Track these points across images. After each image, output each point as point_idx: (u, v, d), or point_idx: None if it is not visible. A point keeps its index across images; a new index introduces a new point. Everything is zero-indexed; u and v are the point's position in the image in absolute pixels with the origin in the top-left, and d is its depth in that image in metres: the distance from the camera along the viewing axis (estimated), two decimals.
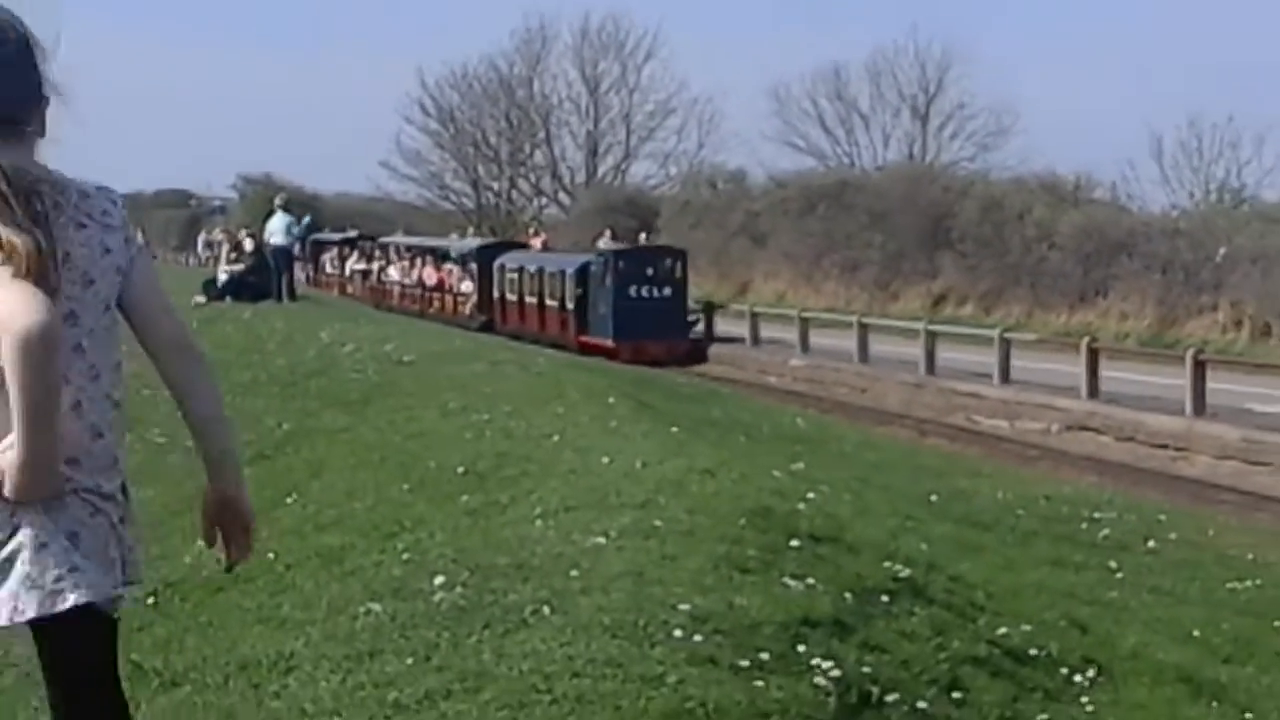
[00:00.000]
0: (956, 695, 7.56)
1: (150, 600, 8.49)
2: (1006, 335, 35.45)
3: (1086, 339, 33.39)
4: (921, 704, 7.12)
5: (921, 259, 54.33)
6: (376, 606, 7.09)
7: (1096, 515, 16.71)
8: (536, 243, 57.24)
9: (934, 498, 15.54)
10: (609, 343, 39.94)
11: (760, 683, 6.42)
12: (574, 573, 7.53)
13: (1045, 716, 7.88)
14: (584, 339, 41.90)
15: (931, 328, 39.06)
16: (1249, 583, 14.57)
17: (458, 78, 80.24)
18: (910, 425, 32.18)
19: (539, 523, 8.76)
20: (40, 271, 3.58)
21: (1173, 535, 16.32)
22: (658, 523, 8.79)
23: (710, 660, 6.51)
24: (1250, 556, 16.11)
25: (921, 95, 72.46)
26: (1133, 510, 17.80)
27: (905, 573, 9.54)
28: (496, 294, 49.63)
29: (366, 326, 18.33)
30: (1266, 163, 64.90)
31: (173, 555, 9.54)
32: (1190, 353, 29.84)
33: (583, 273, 43.53)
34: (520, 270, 48.34)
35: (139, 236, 4.23)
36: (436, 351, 20.78)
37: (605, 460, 11.09)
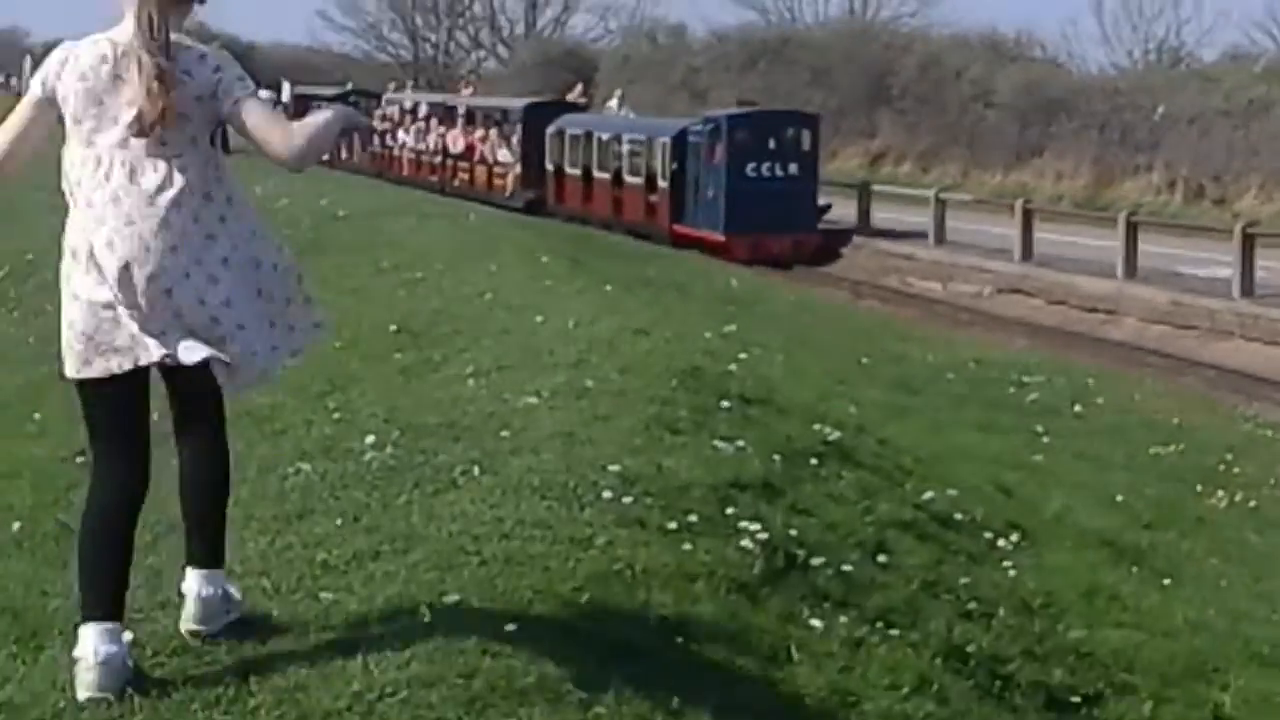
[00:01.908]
0: (881, 559, 7.63)
1: (80, 459, 8.45)
2: (942, 196, 35.47)
3: (1021, 200, 33.48)
4: (847, 567, 7.18)
5: (861, 116, 54.15)
6: (306, 466, 7.08)
7: (1025, 379, 16.86)
8: (466, 93, 54.83)
9: (865, 360, 15.64)
10: (718, 235, 31.22)
11: (688, 545, 6.47)
12: (505, 433, 7.54)
13: (968, 580, 7.95)
14: (681, 228, 32.97)
15: (872, 187, 39.01)
16: (1173, 447, 14.76)
17: None
18: (845, 287, 32.19)
19: (471, 382, 8.77)
20: None
21: (1100, 400, 16.50)
22: (589, 383, 8.80)
23: (639, 522, 6.55)
24: (1176, 421, 16.32)
25: None
26: (1061, 374, 17.96)
27: (834, 435, 9.58)
28: (551, 165, 39.73)
29: (301, 181, 18.11)
30: (1206, 21, 65.11)
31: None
32: (1123, 215, 29.98)
33: (681, 142, 33.57)
34: (587, 136, 38.23)
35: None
36: (373, 205, 20.67)
37: (538, 319, 11.07)
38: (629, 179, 35.84)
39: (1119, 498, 11.86)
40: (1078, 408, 15.67)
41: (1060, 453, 13.23)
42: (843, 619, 6.48)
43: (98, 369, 4.82)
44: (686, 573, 6.17)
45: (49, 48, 5.31)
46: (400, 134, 49.91)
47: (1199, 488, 13.22)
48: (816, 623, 6.27)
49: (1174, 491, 12.86)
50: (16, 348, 13.17)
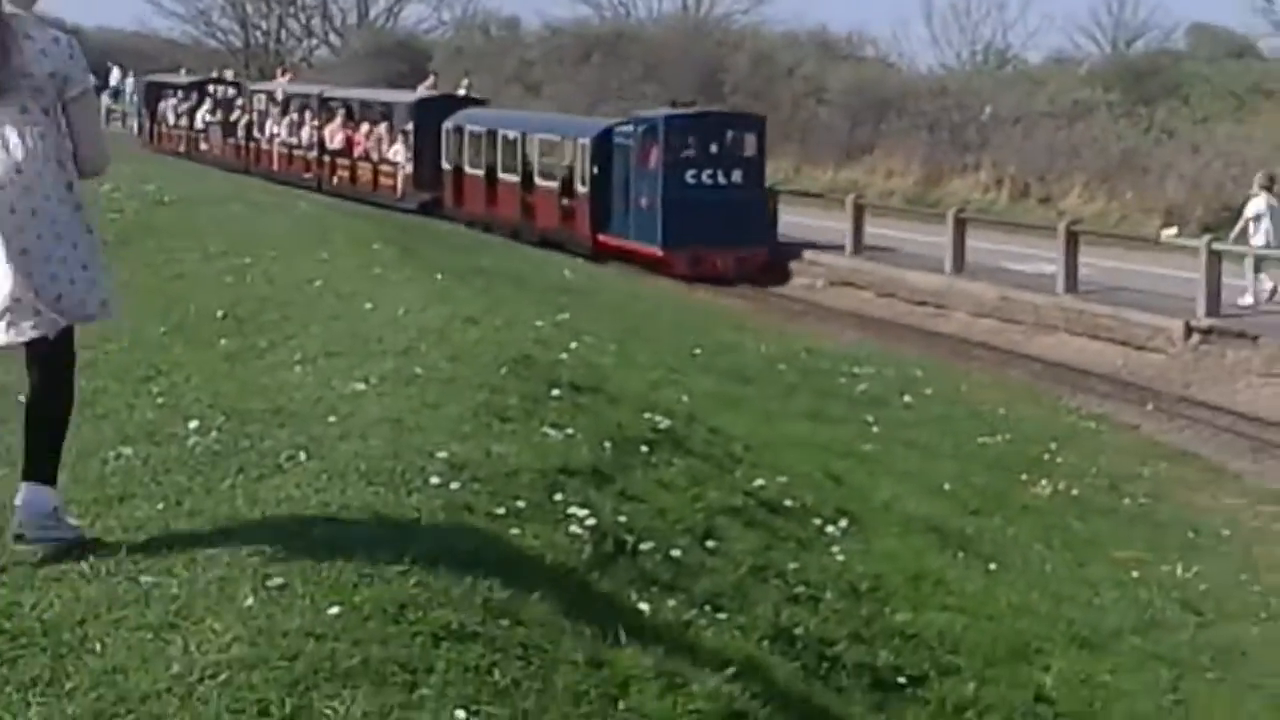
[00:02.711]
0: (710, 544, 7.68)
1: None
2: (776, 189, 35.63)
3: (853, 196, 33.72)
4: (675, 552, 7.21)
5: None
6: (128, 450, 6.96)
7: (856, 371, 17.02)
8: (283, 80, 52.68)
9: (697, 351, 15.70)
10: (654, 249, 27.53)
11: (516, 530, 6.46)
12: (332, 419, 7.48)
13: (796, 564, 8.03)
14: (607, 238, 29.26)
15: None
16: (999, 437, 14.99)
17: None
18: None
19: (298, 368, 8.69)
20: None
21: (928, 391, 16.70)
22: (418, 370, 8.76)
23: (466, 508, 6.53)
24: (1002, 412, 16.58)
25: None
26: (891, 366, 18.16)
27: (665, 424, 9.62)
28: (449, 165, 35.35)
29: (127, 165, 17.83)
30: (1031, 24, 66.50)
31: None
32: (952, 212, 30.31)
33: (604, 143, 29.38)
34: (490, 135, 33.95)
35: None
36: (199, 192, 20.43)
37: (368, 306, 11.01)
38: (541, 182, 31.83)
39: (946, 485, 12.02)
40: (907, 398, 15.86)
41: (889, 442, 13.38)
42: (671, 602, 6.50)
43: None
44: (514, 557, 6.16)
45: None
46: (270, 126, 45.25)
47: (1024, 476, 13.44)
48: (644, 606, 6.29)
49: (999, 480, 13.06)
50: None
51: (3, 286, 5.41)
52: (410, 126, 37.17)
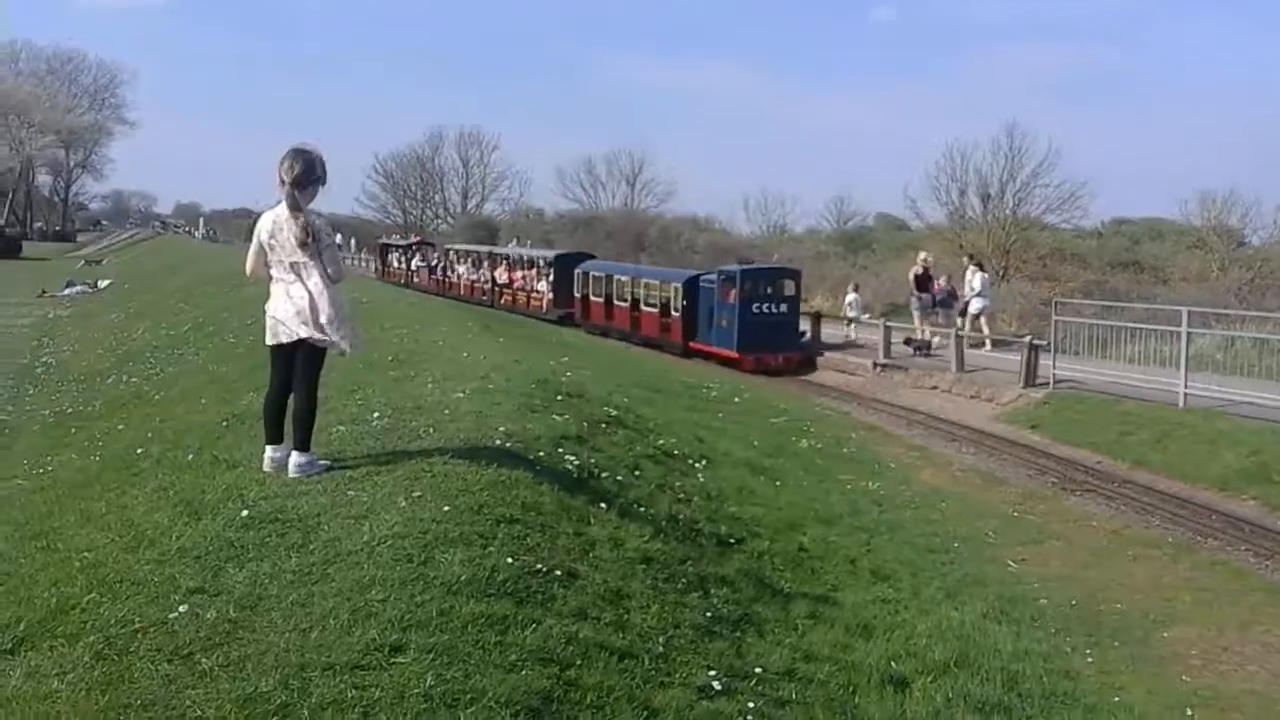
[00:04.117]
0: (636, 473, 7.66)
1: (224, 423, 8.13)
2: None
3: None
4: (619, 477, 7.19)
5: (630, 259, 54.27)
6: (343, 428, 6.88)
7: (710, 386, 17.01)
8: (400, 237, 51.55)
9: (633, 377, 15.65)
10: (732, 352, 23.29)
11: (539, 466, 6.43)
12: (446, 411, 7.42)
13: (680, 483, 8.01)
14: (695, 345, 24.70)
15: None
16: (781, 418, 14.98)
17: (395, 155, 78.90)
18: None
19: (429, 385, 8.61)
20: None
21: (747, 395, 16.70)
22: (490, 386, 8.69)
23: (514, 455, 6.49)
24: (784, 406, 16.60)
25: (632, 173, 72.28)
26: (728, 383, 18.16)
27: (614, 413, 9.58)
28: (579, 294, 30.26)
29: (347, 288, 17.72)
30: (797, 211, 67.88)
31: (237, 400, 9.17)
32: None
33: (692, 286, 25.14)
34: (608, 278, 29.26)
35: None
36: (380, 297, 20.18)
37: (464, 355, 10.90)
38: (646, 308, 26.88)
39: (755, 442, 12.01)
40: (736, 399, 15.86)
41: (726, 421, 13.37)
42: (617, 502, 6.49)
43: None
44: (538, 480, 6.12)
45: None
46: (459, 267, 40.60)
47: (794, 438, 13.45)
48: (603, 505, 6.27)
49: (781, 439, 13.06)
50: (194, 366, 12.67)
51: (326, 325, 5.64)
52: (551, 271, 32.56)
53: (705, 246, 51.50)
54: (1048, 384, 16.93)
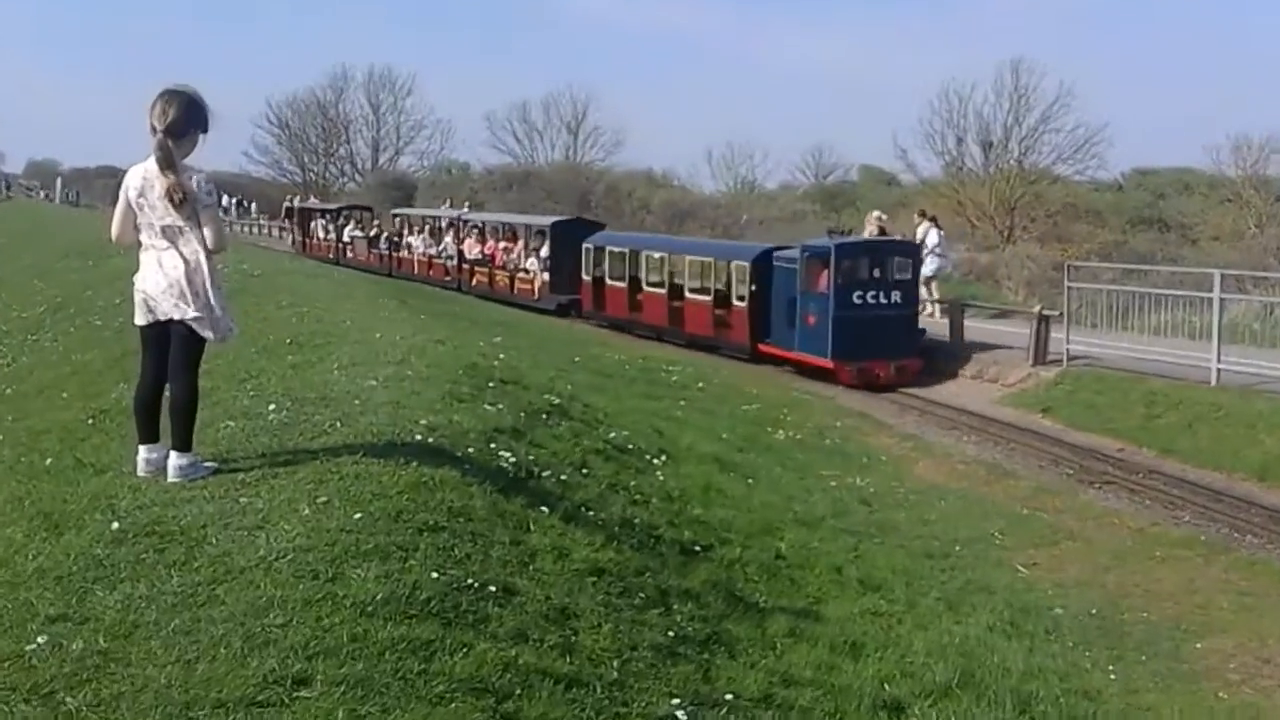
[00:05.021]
0: (584, 471, 7.66)
1: (90, 421, 8.04)
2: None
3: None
4: (563, 476, 7.19)
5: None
6: (232, 423, 6.81)
7: (671, 368, 17.06)
8: (313, 200, 49.88)
9: (577, 359, 15.66)
10: (824, 360, 19.08)
11: (468, 465, 6.40)
12: (356, 401, 7.36)
13: (635, 482, 8.04)
14: (769, 348, 20.52)
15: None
16: (754, 405, 15.09)
17: (291, 100, 77.88)
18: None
19: (336, 372, 8.52)
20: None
21: (715, 380, 16.78)
22: (408, 372, 8.63)
23: (438, 452, 6.45)
24: (755, 391, 16.70)
25: (574, 120, 72.03)
26: (692, 366, 18.21)
27: (557, 401, 9.57)
28: (588, 275, 26.04)
29: (231, 254, 17.32)
30: (769, 165, 68.32)
31: (105, 393, 9.04)
32: None
33: (764, 265, 20.95)
34: (632, 254, 25.00)
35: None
36: (275, 268, 19.95)
37: (378, 335, 10.81)
38: (691, 296, 22.84)
39: (723, 434, 12.09)
40: (700, 385, 15.91)
41: (690, 410, 13.42)
42: (561, 505, 6.48)
43: None
44: (466, 481, 6.09)
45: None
46: (410, 239, 36.14)
47: (768, 428, 13.54)
48: (545, 509, 6.26)
49: (754, 430, 13.15)
50: (53, 354, 12.48)
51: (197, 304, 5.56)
52: (546, 242, 28.37)
53: (661, 206, 51.63)
54: (1060, 361, 17.20)
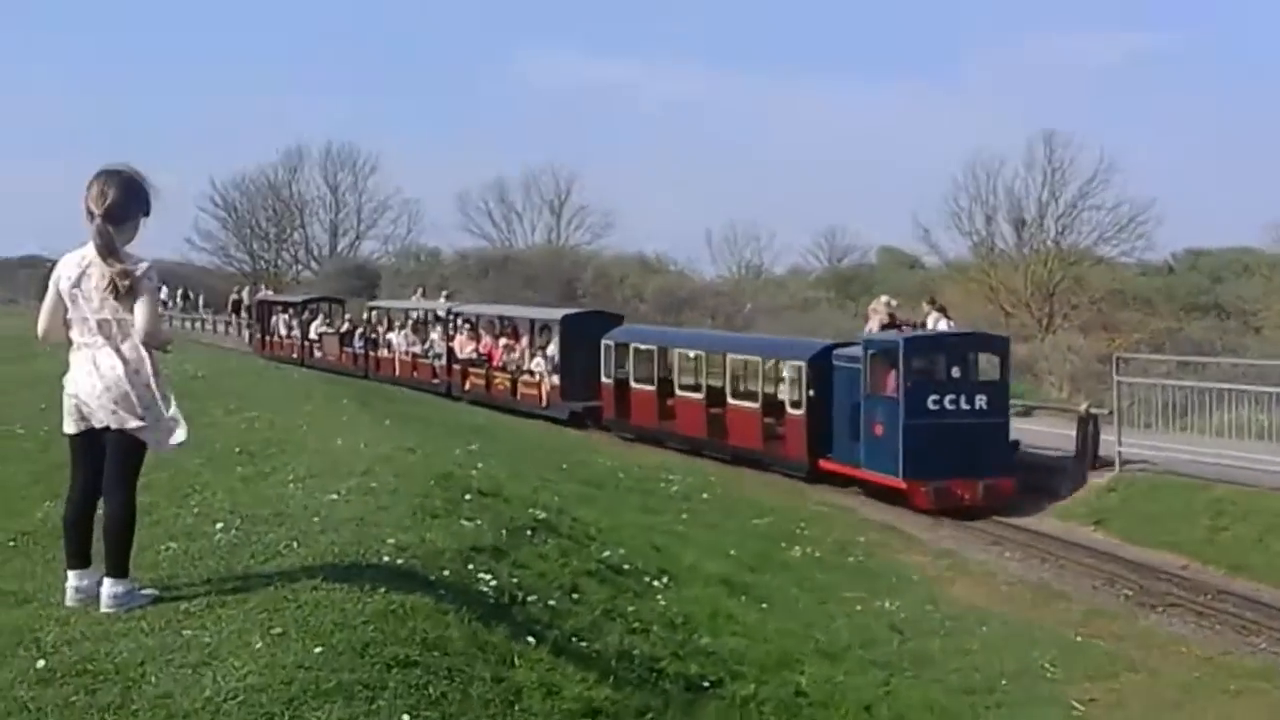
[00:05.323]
0: (575, 596, 7.62)
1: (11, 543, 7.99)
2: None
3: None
4: (551, 602, 7.15)
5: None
6: (174, 545, 6.76)
7: (670, 477, 17.06)
8: (268, 293, 49.72)
9: (564, 466, 15.66)
10: (895, 480, 17.61)
11: (443, 590, 6.36)
12: (315, 519, 7.33)
13: (633, 608, 7.99)
14: (831, 464, 19.25)
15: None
16: (766, 518, 15.08)
17: (239, 180, 78.61)
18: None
19: (291, 485, 8.51)
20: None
21: (719, 490, 16.77)
22: (374, 484, 8.63)
23: (409, 575, 6.41)
24: (768, 502, 16.68)
25: (556, 200, 72.98)
26: (694, 474, 18.21)
27: (543, 515, 9.56)
28: (609, 379, 24.80)
29: (174, 354, 17.46)
30: (776, 248, 69.05)
31: (28, 512, 9.00)
32: None
33: (822, 365, 19.53)
34: (661, 351, 24.11)
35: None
36: (221, 369, 20.03)
37: (339, 443, 10.83)
38: (735, 402, 21.39)
39: (732, 551, 12.06)
40: (704, 495, 15.91)
41: (692, 524, 13.41)
42: (550, 635, 6.43)
43: None
44: (442, 609, 6.04)
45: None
46: (390, 336, 34.75)
47: (783, 544, 13.51)
48: (531, 639, 6.20)
49: (766, 547, 13.12)
50: None
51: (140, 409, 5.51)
52: (555, 341, 26.86)
53: (656, 293, 52.08)
54: (1113, 466, 17.22)
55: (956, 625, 11.14)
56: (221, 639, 5.13)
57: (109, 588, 5.52)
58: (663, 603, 8.56)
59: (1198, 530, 14.61)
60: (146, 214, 5.63)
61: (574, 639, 6.60)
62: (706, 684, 7.04)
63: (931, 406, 17.61)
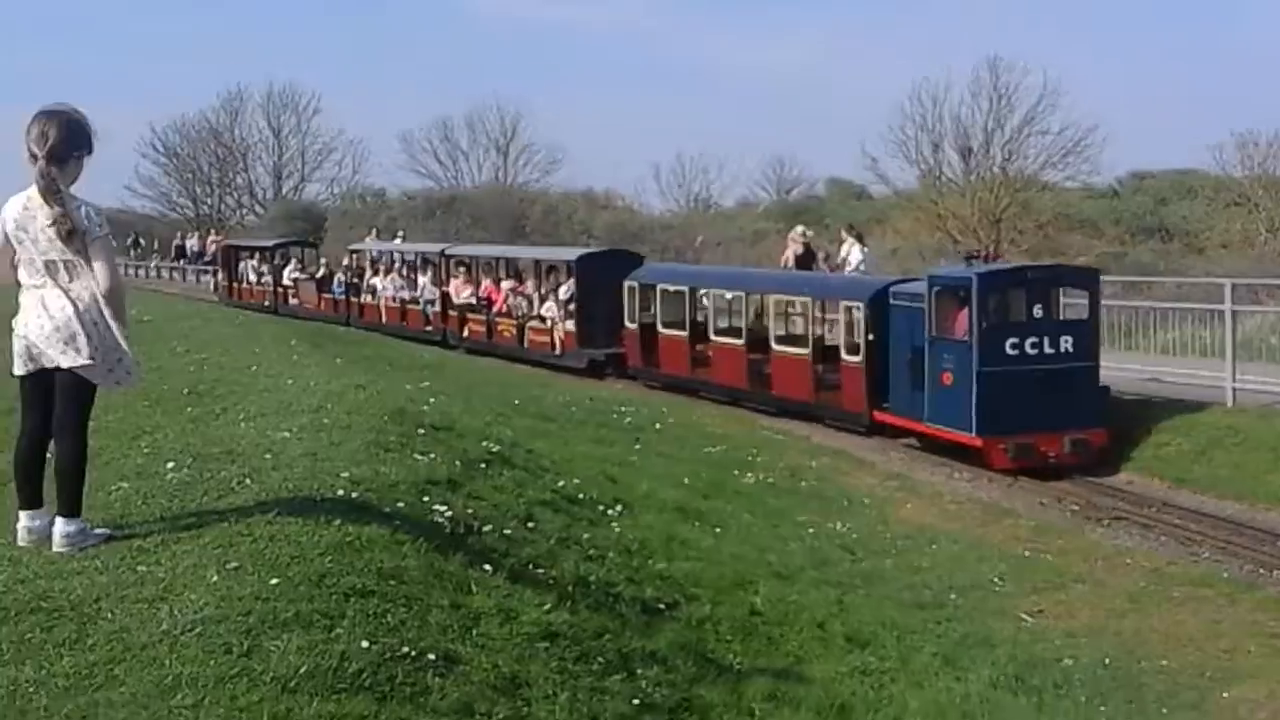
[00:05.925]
0: (531, 525, 7.68)
1: None
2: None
3: None
4: (507, 531, 7.21)
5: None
6: (125, 485, 6.75)
7: (623, 409, 17.08)
8: (210, 242, 49.38)
9: (517, 401, 15.65)
10: (968, 436, 15.35)
11: (398, 522, 6.39)
12: (267, 456, 7.33)
13: (588, 535, 8.07)
14: (889, 417, 17.02)
15: None
16: (719, 447, 15.15)
17: (180, 125, 77.21)
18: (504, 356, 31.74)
19: (242, 424, 8.50)
20: None
21: (671, 420, 16.82)
22: (326, 421, 8.64)
23: (364, 508, 6.44)
24: (720, 431, 16.75)
25: (502, 138, 72.19)
26: (647, 405, 18.24)
27: (496, 448, 9.62)
28: (633, 322, 22.52)
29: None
30: (725, 181, 68.95)
31: None
32: None
33: (880, 306, 17.16)
34: (691, 293, 21.92)
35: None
36: (169, 313, 19.86)
37: (289, 382, 10.81)
38: (782, 348, 19.06)
39: (685, 480, 12.12)
40: (657, 425, 15.95)
41: (646, 454, 13.45)
42: (506, 563, 6.49)
43: None
44: (398, 539, 6.08)
45: None
46: (375, 281, 32.19)
47: (735, 471, 13.59)
48: (488, 567, 6.26)
49: (720, 474, 13.19)
50: None
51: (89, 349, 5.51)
52: (570, 281, 24.62)
53: (605, 229, 51.88)
54: None
55: (907, 544, 11.30)
56: (176, 574, 5.16)
57: (61, 527, 5.53)
58: (617, 530, 8.64)
59: (1142, 445, 14.85)
60: (90, 153, 5.59)
61: (530, 566, 6.67)
62: (662, 606, 7.15)
63: (1010, 351, 15.31)
